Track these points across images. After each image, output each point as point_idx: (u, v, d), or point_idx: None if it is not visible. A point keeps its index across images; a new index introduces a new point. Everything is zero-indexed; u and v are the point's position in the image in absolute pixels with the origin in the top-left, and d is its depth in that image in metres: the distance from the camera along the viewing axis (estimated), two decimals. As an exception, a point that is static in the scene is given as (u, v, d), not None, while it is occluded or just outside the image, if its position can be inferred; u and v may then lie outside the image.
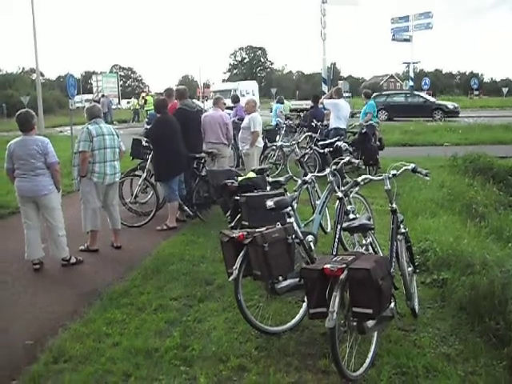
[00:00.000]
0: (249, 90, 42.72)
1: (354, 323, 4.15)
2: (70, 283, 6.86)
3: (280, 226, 5.18)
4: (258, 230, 4.94)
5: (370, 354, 4.46)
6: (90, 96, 47.44)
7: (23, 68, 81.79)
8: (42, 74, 29.00)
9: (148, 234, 8.87)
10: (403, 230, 5.31)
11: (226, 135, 10.61)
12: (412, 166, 5.43)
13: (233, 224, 6.66)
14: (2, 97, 54.99)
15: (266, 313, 5.26)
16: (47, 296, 6.40)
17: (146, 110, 34.14)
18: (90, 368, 4.58)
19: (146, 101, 35.58)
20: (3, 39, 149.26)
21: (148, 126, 12.23)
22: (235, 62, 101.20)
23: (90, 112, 7.95)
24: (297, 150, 11.45)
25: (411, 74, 47.43)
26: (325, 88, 18.28)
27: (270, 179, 7.29)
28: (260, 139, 11.56)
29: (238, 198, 6.55)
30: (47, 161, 7.03)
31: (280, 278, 4.95)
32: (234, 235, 4.96)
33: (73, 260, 7.41)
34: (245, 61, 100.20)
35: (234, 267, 4.86)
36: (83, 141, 7.62)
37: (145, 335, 5.12)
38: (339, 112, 13.19)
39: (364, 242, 5.14)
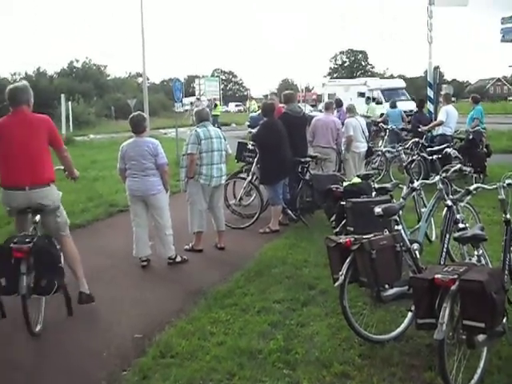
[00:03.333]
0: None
1: (464, 337, 3.99)
2: (176, 281, 7.05)
3: (388, 233, 5.10)
4: (365, 236, 4.87)
5: (479, 370, 4.26)
6: (192, 99, 48.52)
7: (130, 73, 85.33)
8: (147, 78, 30.03)
9: (251, 236, 8.97)
10: (517, 243, 5.07)
11: (335, 140, 10.65)
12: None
13: (338, 229, 6.61)
14: (111, 100, 57.56)
15: (370, 320, 5.16)
16: (154, 292, 6.61)
17: (214, 115, 34.60)
18: (196, 365, 4.67)
19: (216, 105, 35.81)
20: (113, 46, 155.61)
21: (251, 130, 12.42)
22: (335, 66, 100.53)
23: (199, 115, 8.17)
24: (402, 156, 11.24)
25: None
26: (430, 93, 17.72)
27: (375, 185, 7.20)
28: (358, 144, 11.46)
29: (344, 203, 6.50)
30: (157, 162, 7.27)
31: (386, 285, 4.88)
32: (341, 241, 4.92)
33: (178, 259, 7.61)
34: (345, 64, 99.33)
35: (340, 273, 4.81)
36: (191, 143, 7.82)
37: (248, 336, 5.17)
38: (447, 118, 12.84)
39: (476, 252, 4.94)
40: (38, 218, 5.64)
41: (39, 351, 5.14)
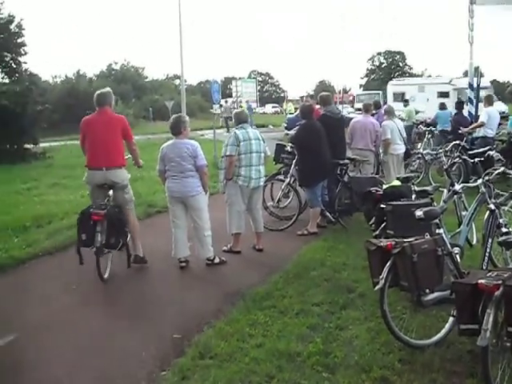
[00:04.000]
0: None
1: (508, 344, 3.92)
2: (214, 282, 7.09)
3: (429, 236, 5.03)
4: (406, 240, 4.82)
5: (525, 379, 4.19)
6: (228, 100, 48.79)
7: (167, 74, 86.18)
8: (184, 80, 30.29)
9: (289, 238, 8.95)
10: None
11: (374, 142, 10.61)
12: None
13: (377, 232, 6.54)
14: (149, 101, 58.18)
15: (410, 325, 5.09)
16: (192, 293, 6.66)
17: (226, 118, 34.63)
18: (235, 367, 4.68)
19: (241, 107, 35.72)
20: (151, 48, 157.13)
21: (288, 131, 12.41)
22: (373, 67, 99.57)
23: (238, 117, 8.21)
24: (443, 158, 11.09)
25: None
26: (470, 94, 17.44)
27: (415, 188, 7.11)
28: (396, 146, 11.37)
29: (384, 206, 6.44)
30: (196, 163, 7.32)
31: (427, 290, 4.81)
32: (382, 244, 4.87)
33: (217, 260, 7.64)
34: (383, 66, 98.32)
35: (381, 277, 4.77)
36: (230, 145, 7.86)
37: (287, 338, 5.15)
38: (489, 120, 12.64)
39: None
40: (110, 192, 7.28)
41: (79, 356, 5.22)
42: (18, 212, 10.72)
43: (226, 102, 41.51)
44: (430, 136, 17.08)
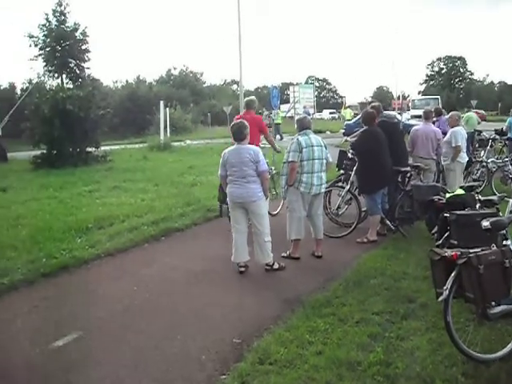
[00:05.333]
0: None
1: None
2: (273, 288, 7.07)
3: (495, 247, 4.91)
4: (472, 250, 4.71)
5: None
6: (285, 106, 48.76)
7: (225, 80, 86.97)
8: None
9: (348, 245, 8.88)
10: None
11: (436, 150, 10.45)
12: None
13: (440, 242, 6.42)
14: (207, 106, 58.87)
15: (474, 338, 4.96)
16: (252, 298, 6.68)
17: (276, 124, 34.30)
18: (294, 373, 4.66)
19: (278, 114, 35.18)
20: (209, 53, 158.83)
21: (346, 138, 12.31)
22: (432, 73, 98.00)
23: (301, 123, 8.19)
24: (510, 167, 10.82)
25: None
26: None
27: (480, 197, 6.95)
28: (463, 154, 11.13)
29: (447, 215, 6.32)
30: (258, 169, 7.33)
31: (493, 302, 4.69)
32: (446, 254, 4.77)
33: (276, 266, 7.63)
34: (442, 71, 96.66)
35: (445, 287, 4.67)
36: (293, 151, 7.85)
37: (347, 347, 5.10)
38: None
39: None
40: None
41: (140, 357, 5.30)
42: (81, 214, 10.99)
43: (264, 110, 41.33)
44: (501, 144, 16.62)
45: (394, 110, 46.84)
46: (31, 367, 5.11)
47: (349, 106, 55.71)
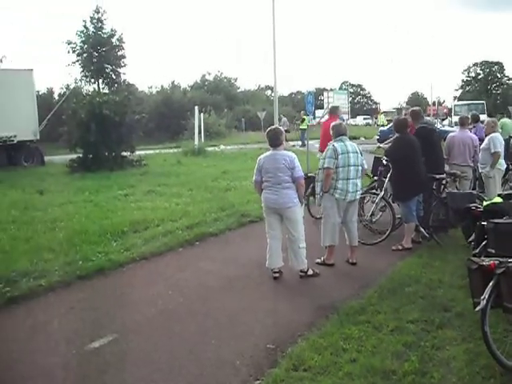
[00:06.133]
0: None
1: None
2: (307, 294, 7.06)
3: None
4: (510, 259, 4.65)
5: None
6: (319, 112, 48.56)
7: (259, 85, 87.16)
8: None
9: (382, 252, 8.82)
10: None
11: (472, 157, 10.32)
12: None
13: (477, 251, 6.33)
14: (241, 112, 58.99)
15: (512, 349, 4.92)
16: (286, 304, 6.68)
17: (301, 129, 34.11)
18: (328, 380, 4.65)
19: (303, 120, 34.98)
20: (244, 58, 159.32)
21: (380, 144, 12.23)
22: (468, 79, 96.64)
23: (337, 130, 8.15)
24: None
25: None
26: None
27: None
28: (502, 161, 10.95)
29: (485, 223, 6.22)
30: (293, 175, 7.33)
31: (532, 313, 4.62)
32: (484, 263, 4.72)
33: (310, 272, 7.61)
34: (479, 77, 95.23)
35: (482, 297, 4.61)
36: (328, 157, 7.84)
37: (382, 355, 5.06)
38: None
39: None
40: None
41: (174, 360, 5.33)
42: (117, 217, 11.12)
43: (283, 116, 41.16)
44: None
45: (429, 116, 46.26)
46: (68, 367, 5.19)
47: (385, 112, 55.38)
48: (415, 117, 9.87)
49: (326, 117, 13.53)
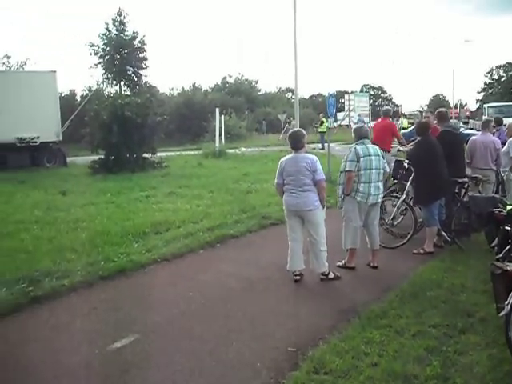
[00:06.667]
0: None
1: None
2: (328, 297, 7.05)
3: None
4: (535, 265, 4.61)
5: None
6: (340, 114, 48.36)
7: (280, 87, 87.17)
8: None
9: (404, 256, 8.77)
10: None
11: (495, 161, 10.23)
12: None
13: (501, 255, 6.28)
14: (262, 114, 59.00)
15: (536, 355, 4.86)
16: (307, 307, 6.67)
17: (321, 132, 33.96)
18: (350, 384, 4.64)
19: (322, 122, 34.60)
20: (264, 61, 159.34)
21: (400, 147, 12.16)
22: (491, 81, 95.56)
23: (359, 133, 8.13)
24: None
25: None
26: None
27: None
28: None
29: (508, 228, 6.17)
30: (315, 178, 7.32)
31: (558, 319, 4.57)
32: (509, 268, 4.69)
33: (331, 275, 7.59)
34: (502, 79, 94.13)
35: (506, 302, 4.58)
36: (350, 160, 7.82)
37: (403, 360, 5.04)
38: None
39: None
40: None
41: (195, 362, 5.35)
42: (138, 218, 11.18)
43: (292, 119, 40.98)
44: None
45: (451, 118, 45.66)
46: (90, 367, 5.23)
47: (408, 115, 55.02)
48: (441, 118, 9.82)
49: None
